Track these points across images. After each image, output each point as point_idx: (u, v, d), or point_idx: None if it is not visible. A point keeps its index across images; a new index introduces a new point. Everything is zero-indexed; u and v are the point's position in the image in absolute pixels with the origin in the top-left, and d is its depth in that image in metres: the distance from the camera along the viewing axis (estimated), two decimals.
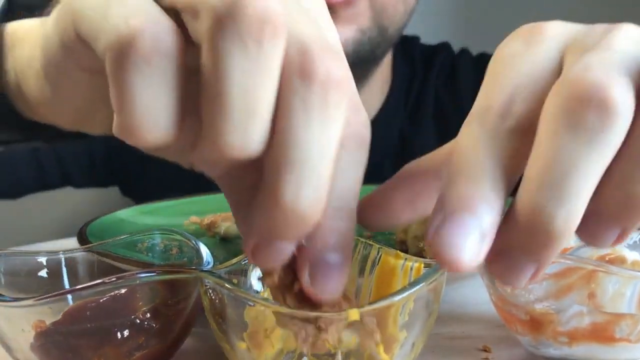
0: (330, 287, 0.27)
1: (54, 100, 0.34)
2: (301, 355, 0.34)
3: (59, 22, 0.29)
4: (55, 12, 0.30)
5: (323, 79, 0.24)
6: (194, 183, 0.78)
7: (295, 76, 0.24)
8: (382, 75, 0.92)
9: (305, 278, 0.27)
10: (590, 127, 0.23)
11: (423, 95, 0.95)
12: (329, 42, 0.25)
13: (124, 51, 0.23)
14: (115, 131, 0.25)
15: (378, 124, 0.90)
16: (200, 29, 0.24)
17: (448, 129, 0.91)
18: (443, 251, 0.25)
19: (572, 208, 0.24)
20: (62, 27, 0.29)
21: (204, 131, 0.24)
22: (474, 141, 0.26)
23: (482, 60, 0.97)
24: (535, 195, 0.24)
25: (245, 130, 0.23)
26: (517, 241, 0.25)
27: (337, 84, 0.24)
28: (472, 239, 0.25)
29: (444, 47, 1.00)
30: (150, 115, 0.24)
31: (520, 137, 0.25)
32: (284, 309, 0.32)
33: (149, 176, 0.95)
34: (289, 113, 0.24)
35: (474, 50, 0.99)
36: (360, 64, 0.80)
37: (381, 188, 0.32)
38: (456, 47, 1.01)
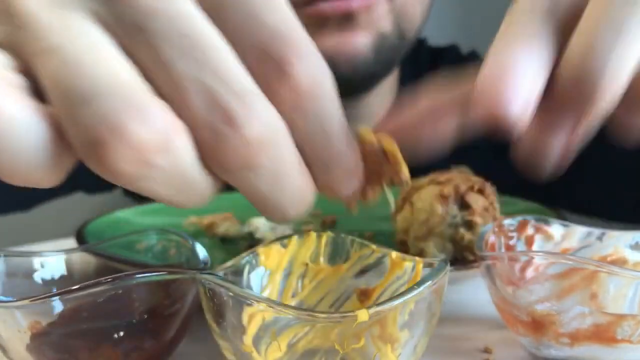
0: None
1: None
2: (316, 351, 0.34)
3: None
4: None
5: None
6: None
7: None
8: (391, 78, 0.90)
9: None
10: None
11: None
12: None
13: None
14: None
15: None
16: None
17: None
18: (492, 91, 0.25)
19: (624, 55, 0.24)
20: None
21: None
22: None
23: None
24: (589, 38, 0.25)
25: None
26: (562, 96, 0.26)
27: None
28: (524, 82, 0.25)
29: (452, 49, 0.99)
30: None
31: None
32: (285, 309, 0.32)
33: None
34: None
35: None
36: (381, 69, 0.78)
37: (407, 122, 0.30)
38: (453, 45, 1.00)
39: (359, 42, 0.73)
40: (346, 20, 0.72)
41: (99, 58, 0.23)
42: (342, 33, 0.72)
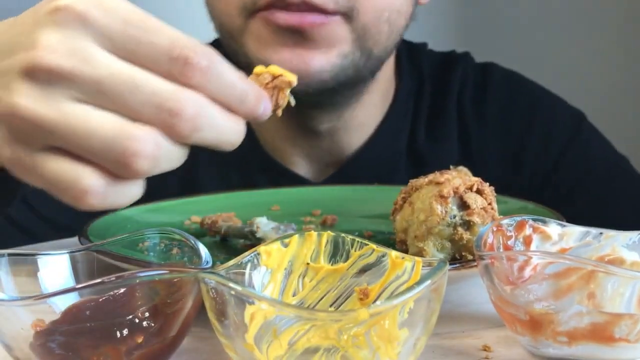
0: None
1: None
2: (317, 350, 0.34)
3: None
4: None
5: None
6: (179, 190, 0.78)
7: None
8: (382, 87, 0.87)
9: None
10: None
11: (443, 110, 0.89)
12: None
13: None
14: None
15: (380, 136, 0.87)
16: None
17: (471, 147, 0.89)
18: None
19: None
20: None
21: None
22: None
23: (513, 77, 0.93)
24: None
25: None
26: None
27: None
28: None
29: (464, 58, 0.94)
30: None
31: None
32: (286, 307, 0.32)
33: None
34: None
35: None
36: (345, 87, 0.77)
37: None
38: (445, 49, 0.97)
39: (315, 63, 0.72)
40: (301, 36, 0.71)
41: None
42: (299, 49, 0.71)
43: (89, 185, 0.37)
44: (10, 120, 0.38)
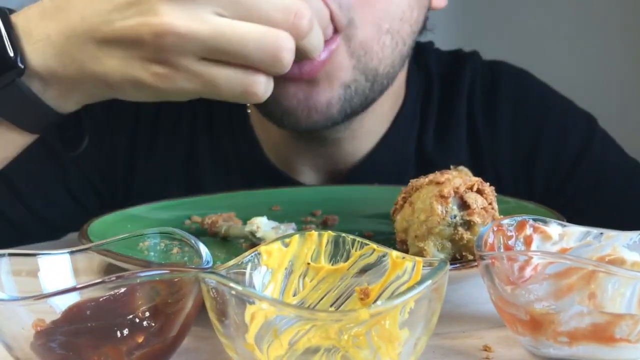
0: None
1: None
2: (317, 350, 0.34)
3: None
4: None
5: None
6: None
7: None
8: (392, 94, 0.82)
9: None
10: None
11: (452, 111, 0.87)
12: None
13: None
14: None
15: (387, 143, 0.84)
16: None
17: (481, 151, 0.87)
18: None
19: None
20: None
21: None
22: None
23: (524, 78, 0.91)
24: None
25: None
26: None
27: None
28: None
29: (472, 56, 0.92)
30: None
31: None
32: (287, 307, 0.32)
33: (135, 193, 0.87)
34: None
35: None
36: (351, 113, 0.73)
37: None
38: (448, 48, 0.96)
39: (321, 98, 0.68)
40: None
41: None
42: (304, 84, 0.67)
43: (258, 80, 0.49)
44: (162, 39, 0.47)
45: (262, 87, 0.50)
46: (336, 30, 0.65)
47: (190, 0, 0.47)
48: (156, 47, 0.48)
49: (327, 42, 0.62)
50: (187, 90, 0.50)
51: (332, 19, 0.63)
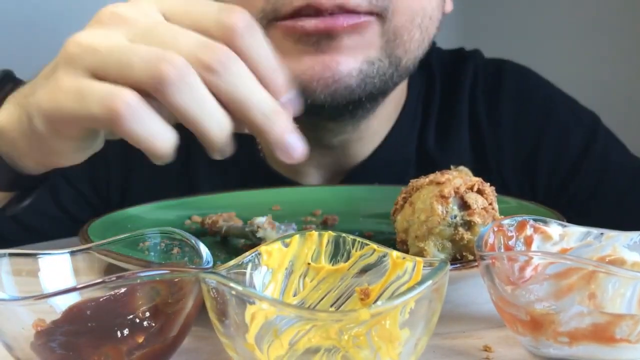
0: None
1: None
2: (318, 350, 0.34)
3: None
4: None
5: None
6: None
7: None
8: (396, 96, 0.83)
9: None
10: None
11: (454, 110, 0.87)
12: None
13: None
14: None
15: (388, 143, 0.84)
16: None
17: (484, 149, 0.86)
18: None
19: None
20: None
21: None
22: None
23: (527, 76, 0.90)
24: None
25: None
26: None
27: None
28: None
29: (474, 55, 0.91)
30: None
31: None
32: (287, 307, 0.32)
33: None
34: None
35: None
36: (368, 98, 0.71)
37: None
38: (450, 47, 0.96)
39: (342, 67, 0.66)
40: (329, 39, 0.66)
41: None
42: (322, 55, 0.66)
43: (126, 97, 0.41)
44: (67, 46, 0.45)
45: (132, 107, 0.42)
46: (372, 13, 0.66)
47: (109, 21, 0.46)
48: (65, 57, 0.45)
49: (359, 14, 0.66)
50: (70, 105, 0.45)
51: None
